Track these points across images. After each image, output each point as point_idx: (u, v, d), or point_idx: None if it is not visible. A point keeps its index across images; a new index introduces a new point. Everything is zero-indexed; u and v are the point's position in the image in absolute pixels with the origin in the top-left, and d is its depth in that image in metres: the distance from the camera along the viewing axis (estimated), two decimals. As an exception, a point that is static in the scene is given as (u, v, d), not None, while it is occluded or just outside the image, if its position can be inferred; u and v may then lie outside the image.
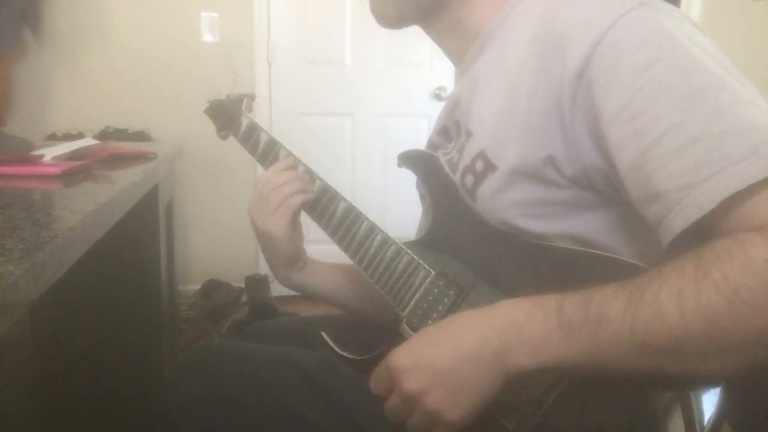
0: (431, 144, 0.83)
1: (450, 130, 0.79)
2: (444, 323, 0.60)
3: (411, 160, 0.78)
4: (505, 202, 0.65)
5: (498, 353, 0.54)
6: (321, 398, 0.75)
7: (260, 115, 2.71)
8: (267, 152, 0.91)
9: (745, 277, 0.46)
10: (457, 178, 0.71)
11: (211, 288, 2.66)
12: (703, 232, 0.51)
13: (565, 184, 0.62)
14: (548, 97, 0.60)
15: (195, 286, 2.70)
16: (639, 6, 0.57)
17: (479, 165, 0.67)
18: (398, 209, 2.16)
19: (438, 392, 0.56)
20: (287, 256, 0.87)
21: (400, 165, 0.78)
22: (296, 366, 0.79)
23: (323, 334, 0.84)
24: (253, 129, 0.94)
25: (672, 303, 0.47)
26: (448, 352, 0.56)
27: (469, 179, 0.69)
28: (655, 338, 0.48)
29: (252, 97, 1.00)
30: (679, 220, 0.51)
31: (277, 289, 2.58)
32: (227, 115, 0.99)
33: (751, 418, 0.62)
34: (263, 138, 0.92)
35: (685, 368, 0.49)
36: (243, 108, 0.97)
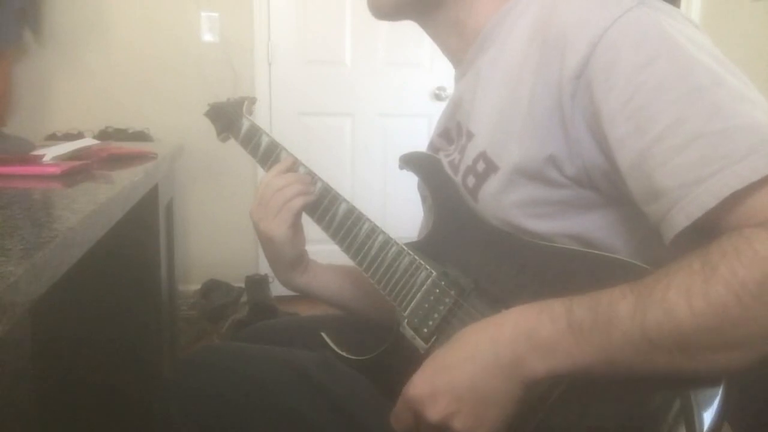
0: (433, 146, 0.83)
1: (451, 131, 0.79)
2: (453, 343, 0.59)
3: (413, 161, 0.78)
4: (506, 203, 0.65)
5: (512, 364, 0.54)
6: (320, 398, 0.75)
7: (260, 115, 2.71)
8: (268, 155, 0.91)
9: (753, 271, 0.46)
10: (459, 179, 0.71)
11: (211, 288, 2.66)
12: (706, 229, 0.52)
13: (566, 184, 0.62)
14: (548, 97, 0.60)
15: (195, 286, 2.70)
16: (637, 6, 0.57)
17: (480, 166, 0.67)
18: (398, 209, 2.17)
19: (464, 414, 0.55)
20: (289, 258, 0.87)
21: (401, 167, 0.78)
22: (295, 366, 0.79)
23: (323, 334, 0.84)
24: (254, 131, 0.94)
25: (681, 300, 0.48)
26: (464, 372, 0.56)
27: (471, 180, 0.69)
28: (666, 336, 0.48)
29: (252, 101, 1.00)
30: (681, 218, 0.52)
31: (277, 289, 2.58)
32: (228, 118, 0.99)
33: (751, 418, 0.62)
34: (264, 140, 0.92)
35: (695, 364, 0.49)
36: (244, 111, 0.97)
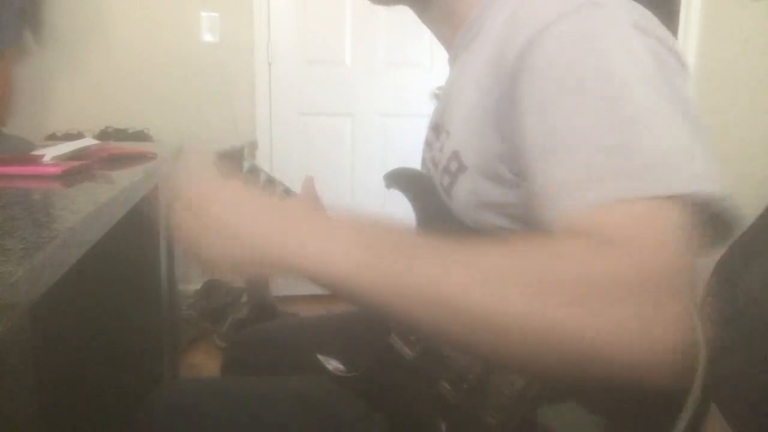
0: (426, 140, 0.84)
1: (439, 126, 0.79)
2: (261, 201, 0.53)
3: (399, 180, 0.77)
4: (476, 203, 0.64)
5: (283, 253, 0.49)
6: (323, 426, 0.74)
7: (260, 115, 2.71)
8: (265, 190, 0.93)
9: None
10: (438, 176, 0.71)
11: (211, 288, 2.66)
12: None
13: (518, 183, 0.60)
14: (497, 93, 0.59)
15: (195, 286, 2.70)
16: (590, 5, 0.54)
17: (453, 165, 0.67)
18: (398, 209, 2.16)
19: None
20: None
21: (388, 186, 0.78)
22: (295, 396, 0.78)
23: (319, 356, 0.83)
24: (252, 171, 0.96)
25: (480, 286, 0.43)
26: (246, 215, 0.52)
27: (446, 179, 0.69)
28: (444, 301, 0.43)
29: (254, 145, 1.02)
30: (547, 216, 0.50)
31: (277, 289, 2.58)
32: (231, 162, 1.02)
33: (750, 417, 0.62)
34: (262, 177, 0.94)
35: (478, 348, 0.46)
36: (244, 154, 1.00)
